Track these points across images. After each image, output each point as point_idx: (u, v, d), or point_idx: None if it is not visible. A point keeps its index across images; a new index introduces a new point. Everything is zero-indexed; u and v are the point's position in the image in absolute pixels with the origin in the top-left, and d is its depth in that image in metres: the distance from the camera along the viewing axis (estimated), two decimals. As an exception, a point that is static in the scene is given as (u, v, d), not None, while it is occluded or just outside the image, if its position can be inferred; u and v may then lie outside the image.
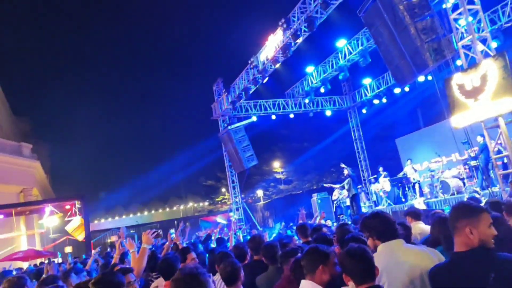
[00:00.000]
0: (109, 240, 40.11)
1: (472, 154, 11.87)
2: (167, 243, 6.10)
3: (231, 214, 19.45)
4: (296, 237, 5.55)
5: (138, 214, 53.94)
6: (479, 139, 11.43)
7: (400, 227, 3.50)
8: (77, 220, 17.20)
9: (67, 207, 17.66)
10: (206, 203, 52.11)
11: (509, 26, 12.30)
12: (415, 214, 5.31)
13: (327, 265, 2.58)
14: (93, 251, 8.81)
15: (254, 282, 3.80)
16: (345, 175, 13.12)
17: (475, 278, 2.10)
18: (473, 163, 12.16)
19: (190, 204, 53.02)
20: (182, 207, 54.46)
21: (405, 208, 12.85)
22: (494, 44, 7.93)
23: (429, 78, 14.30)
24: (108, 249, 12.71)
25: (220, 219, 30.68)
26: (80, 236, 17.12)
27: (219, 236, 9.01)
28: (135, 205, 56.78)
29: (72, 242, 18.27)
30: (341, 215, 12.98)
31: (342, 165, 13.24)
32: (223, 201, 42.74)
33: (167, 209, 55.60)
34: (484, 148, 11.38)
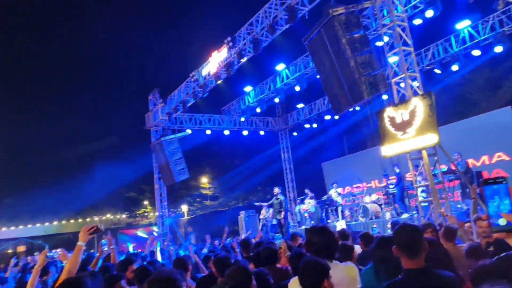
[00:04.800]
0: (10, 251, 36.46)
1: (394, 181, 12.99)
2: (98, 254, 5.78)
3: (155, 228, 18.83)
4: None
5: (46, 224, 49.75)
6: (397, 169, 12.54)
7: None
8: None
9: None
10: (124, 216, 49.72)
11: (430, 68, 13.98)
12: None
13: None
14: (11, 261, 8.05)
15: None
16: (275, 193, 13.44)
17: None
18: (390, 190, 13.25)
19: (107, 215, 50.20)
20: (97, 218, 51.35)
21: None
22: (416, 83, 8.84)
23: (357, 108, 15.38)
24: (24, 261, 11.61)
25: (141, 233, 29.56)
26: None
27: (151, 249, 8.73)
28: (44, 214, 52.47)
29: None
30: (277, 233, 13.37)
31: (276, 189, 13.56)
32: (144, 214, 41.12)
33: (80, 220, 52.02)
34: (401, 178, 12.53)
